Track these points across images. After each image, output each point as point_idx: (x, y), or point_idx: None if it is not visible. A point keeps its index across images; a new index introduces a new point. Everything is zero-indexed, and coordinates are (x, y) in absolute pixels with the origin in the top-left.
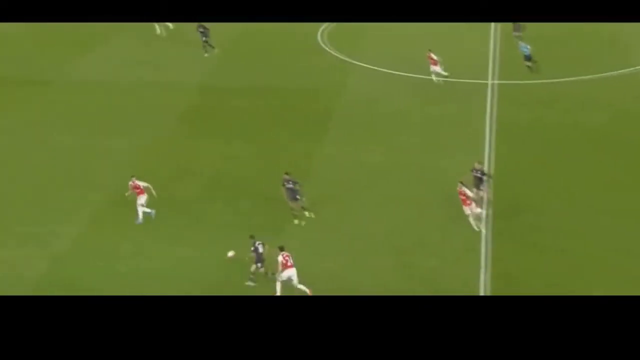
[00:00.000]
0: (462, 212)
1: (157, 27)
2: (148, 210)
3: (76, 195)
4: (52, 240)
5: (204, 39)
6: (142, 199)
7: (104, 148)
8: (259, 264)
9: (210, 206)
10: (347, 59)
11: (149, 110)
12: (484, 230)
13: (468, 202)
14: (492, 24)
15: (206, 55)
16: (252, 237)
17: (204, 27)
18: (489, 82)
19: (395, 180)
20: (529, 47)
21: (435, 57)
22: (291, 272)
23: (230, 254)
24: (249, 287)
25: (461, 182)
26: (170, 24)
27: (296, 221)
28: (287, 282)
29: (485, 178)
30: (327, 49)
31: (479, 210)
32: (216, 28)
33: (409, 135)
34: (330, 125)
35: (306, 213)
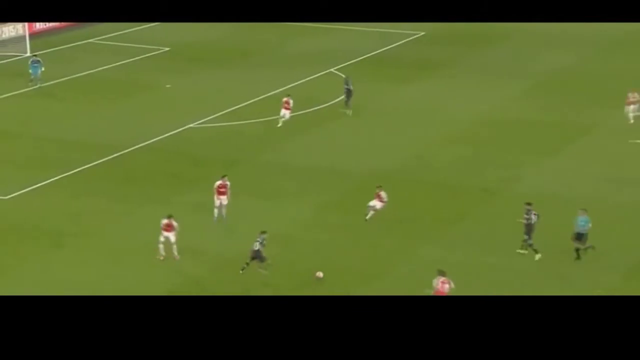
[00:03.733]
0: None
1: None
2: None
3: None
4: None
5: (346, 98)
6: (221, 199)
7: None
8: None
9: None
10: None
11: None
12: None
13: None
14: None
15: (348, 112)
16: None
17: (348, 88)
18: None
19: None
20: None
21: None
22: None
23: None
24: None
25: None
26: None
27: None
28: None
29: None
30: None
31: None
32: None
33: None
34: None
35: None
